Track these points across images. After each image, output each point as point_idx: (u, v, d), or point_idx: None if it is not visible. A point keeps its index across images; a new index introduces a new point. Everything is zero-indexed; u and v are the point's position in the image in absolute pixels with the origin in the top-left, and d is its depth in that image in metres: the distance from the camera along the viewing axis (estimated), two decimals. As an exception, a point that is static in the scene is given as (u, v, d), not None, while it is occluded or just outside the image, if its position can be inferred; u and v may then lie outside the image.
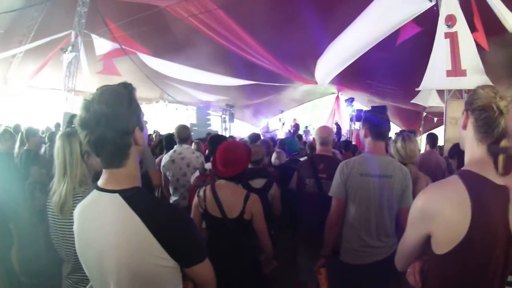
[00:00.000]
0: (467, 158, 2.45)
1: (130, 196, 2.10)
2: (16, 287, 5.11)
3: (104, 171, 2.20)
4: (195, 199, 4.35)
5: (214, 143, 6.29)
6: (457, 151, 6.85)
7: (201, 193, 4.28)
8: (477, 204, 2.15)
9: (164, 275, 2.14)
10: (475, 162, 2.35)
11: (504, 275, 2.25)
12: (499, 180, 2.21)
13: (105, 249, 2.08)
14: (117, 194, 2.10)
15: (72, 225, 2.44)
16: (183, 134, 7.21)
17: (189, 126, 7.72)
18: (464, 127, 2.44)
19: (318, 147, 5.75)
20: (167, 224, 2.10)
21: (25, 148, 8.41)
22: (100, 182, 2.20)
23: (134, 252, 2.05)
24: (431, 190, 2.42)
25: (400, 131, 6.21)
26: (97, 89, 2.12)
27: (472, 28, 11.03)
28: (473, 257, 2.19)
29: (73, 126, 2.99)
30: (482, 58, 10.61)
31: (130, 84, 2.24)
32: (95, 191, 2.20)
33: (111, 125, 2.03)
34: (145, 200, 2.18)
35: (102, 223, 2.11)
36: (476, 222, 2.13)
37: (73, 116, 7.36)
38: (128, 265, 2.05)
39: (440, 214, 2.24)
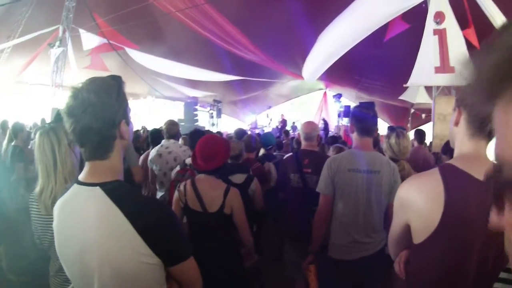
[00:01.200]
0: (455, 153, 2.46)
1: (111, 189, 2.07)
2: (3, 285, 5.08)
3: (86, 163, 2.16)
4: (176, 193, 4.36)
5: (194, 137, 6.29)
6: (449, 148, 6.90)
7: (182, 187, 4.29)
8: (451, 197, 2.17)
9: (148, 273, 2.09)
10: (460, 157, 2.37)
11: (485, 272, 2.24)
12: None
13: (87, 245, 2.04)
14: (97, 187, 2.06)
15: None
16: (172, 131, 7.22)
17: (176, 121, 7.72)
18: (456, 123, 2.42)
19: (302, 142, 5.75)
20: (150, 219, 2.06)
21: (12, 144, 8.36)
22: (81, 176, 2.17)
23: (116, 248, 2.01)
24: (410, 180, 2.49)
25: (391, 127, 6.21)
26: (86, 79, 2.09)
27: (464, 25, 11.09)
28: (446, 248, 2.20)
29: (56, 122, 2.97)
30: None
31: (120, 77, 2.23)
32: (75, 185, 2.16)
33: (97, 115, 2.00)
34: (127, 193, 2.15)
35: (83, 217, 2.06)
36: (449, 215, 2.16)
37: (59, 112, 7.31)
38: (110, 261, 2.01)
39: (414, 204, 2.30)
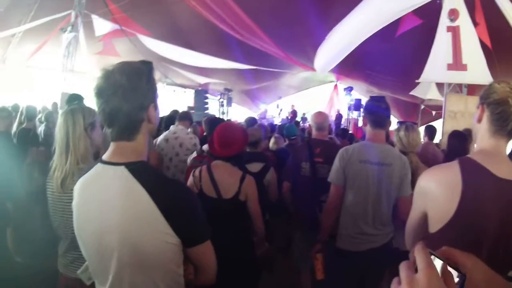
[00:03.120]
0: (475, 148, 2.51)
1: (136, 169, 2.11)
2: (10, 267, 5.12)
3: (111, 144, 2.20)
4: (190, 179, 4.38)
5: (212, 124, 6.33)
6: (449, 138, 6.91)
7: (197, 173, 4.31)
8: (468, 188, 2.21)
9: (167, 253, 2.13)
10: (480, 152, 2.41)
11: (495, 262, 2.27)
12: (503, 174, 2.23)
13: (108, 223, 2.08)
14: (123, 167, 2.11)
15: (71, 201, 2.46)
16: (184, 113, 7.46)
17: (186, 109, 7.85)
18: (479, 120, 2.47)
19: (314, 132, 5.77)
20: (174, 199, 2.11)
21: (22, 127, 8.39)
22: (105, 156, 2.21)
23: (138, 226, 2.05)
24: (430, 170, 2.53)
25: (400, 121, 6.25)
26: (117, 63, 2.14)
27: (474, 23, 11.06)
28: (459, 240, 2.23)
29: (75, 103, 3.00)
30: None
31: (151, 62, 2.28)
32: (99, 165, 2.21)
33: (127, 97, 2.05)
34: (152, 173, 2.20)
35: (106, 196, 2.10)
36: (464, 206, 2.19)
37: (71, 96, 7.35)
38: (131, 239, 2.05)
39: (431, 193, 2.35)
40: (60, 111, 3.56)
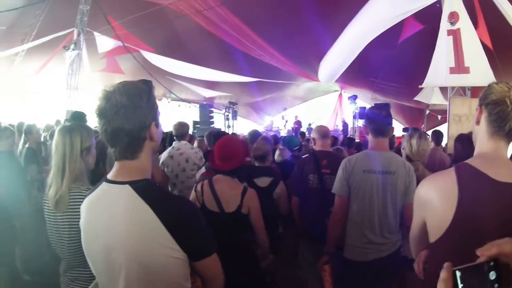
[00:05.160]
0: (475, 152, 2.46)
1: (141, 187, 2.14)
2: (18, 285, 5.12)
3: (116, 163, 2.24)
4: (192, 193, 4.37)
5: (215, 138, 6.30)
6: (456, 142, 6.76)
7: (199, 187, 4.29)
8: (465, 196, 2.17)
9: (174, 267, 2.16)
10: (479, 156, 2.36)
11: None
12: (503, 177, 2.18)
13: (115, 240, 2.11)
14: (127, 185, 2.13)
15: (66, 221, 2.61)
16: (179, 131, 7.28)
17: (191, 123, 7.78)
18: (477, 122, 2.43)
19: (318, 142, 5.73)
20: (178, 215, 2.14)
21: (26, 146, 8.44)
22: (110, 175, 2.24)
23: (144, 242, 2.08)
24: (428, 179, 2.49)
25: (406, 128, 6.18)
26: (117, 83, 2.17)
27: (476, 25, 11.05)
28: (458, 247, 2.16)
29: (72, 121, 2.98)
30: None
31: (150, 81, 2.33)
32: (104, 184, 2.24)
33: (129, 117, 2.08)
34: (156, 191, 2.23)
35: (112, 214, 2.14)
36: (461, 214, 2.16)
37: (74, 113, 7.34)
38: (138, 256, 2.08)
39: (429, 203, 2.32)
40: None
